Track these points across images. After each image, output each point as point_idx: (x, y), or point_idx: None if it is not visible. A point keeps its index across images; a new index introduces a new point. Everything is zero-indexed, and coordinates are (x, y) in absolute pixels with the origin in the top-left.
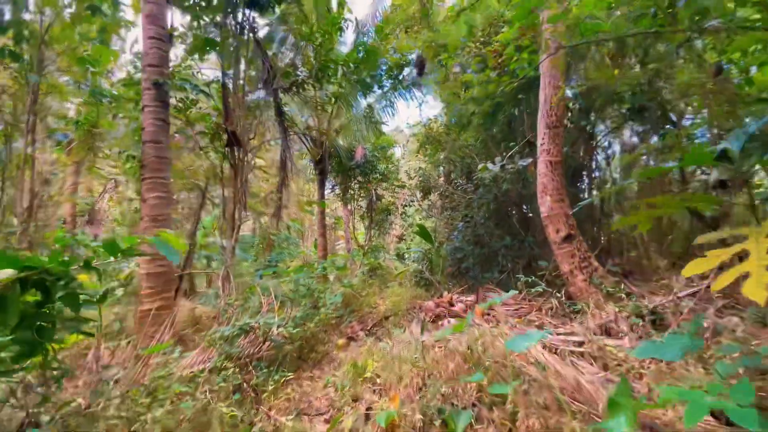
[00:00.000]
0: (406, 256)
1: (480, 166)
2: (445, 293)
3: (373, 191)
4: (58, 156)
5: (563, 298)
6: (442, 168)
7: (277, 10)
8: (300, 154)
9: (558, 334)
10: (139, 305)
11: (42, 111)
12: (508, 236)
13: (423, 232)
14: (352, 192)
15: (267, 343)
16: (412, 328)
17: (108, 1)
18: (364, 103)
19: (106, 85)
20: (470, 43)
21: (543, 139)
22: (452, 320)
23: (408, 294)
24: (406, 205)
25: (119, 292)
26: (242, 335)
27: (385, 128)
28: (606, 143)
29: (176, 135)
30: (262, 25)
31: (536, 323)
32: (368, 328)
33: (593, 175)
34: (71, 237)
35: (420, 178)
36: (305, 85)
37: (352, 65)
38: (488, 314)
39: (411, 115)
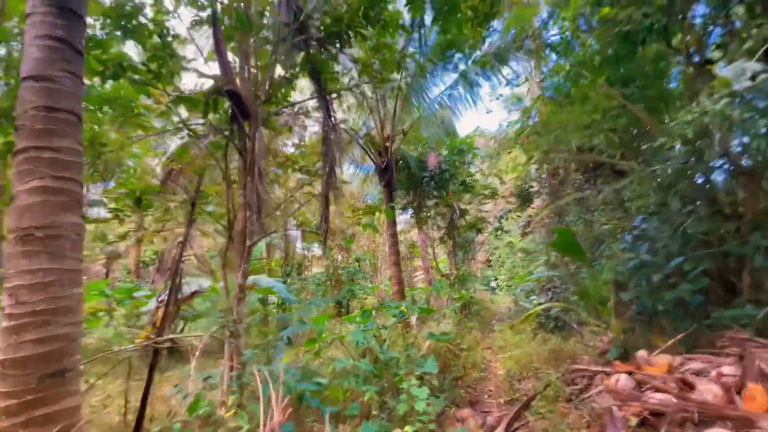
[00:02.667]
0: (495, 286)
1: (726, 69)
2: (641, 352)
3: (456, 205)
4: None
5: None
6: (539, 166)
7: None
8: (366, 178)
9: None
10: None
11: None
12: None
13: (566, 242)
14: (427, 211)
15: None
16: None
17: None
18: (435, 90)
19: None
20: None
21: None
22: None
23: (535, 346)
24: (502, 217)
25: None
26: None
27: (462, 129)
28: None
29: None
30: None
31: None
32: (497, 424)
33: None
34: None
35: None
36: (351, 36)
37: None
38: None
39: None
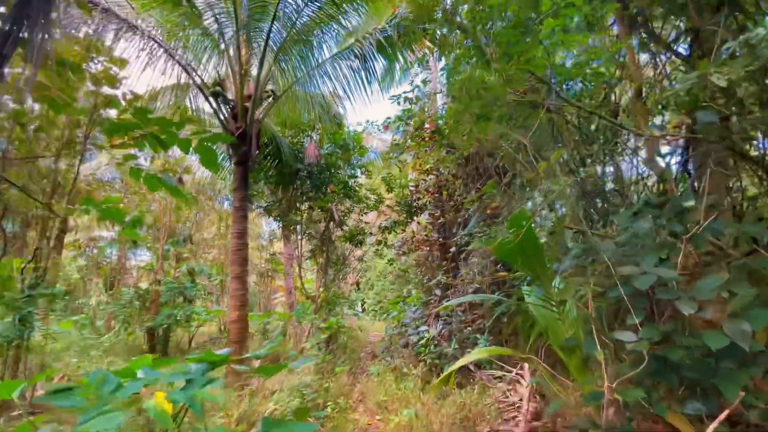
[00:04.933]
0: (361, 310)
1: None
2: None
3: (334, 209)
4: None
5: None
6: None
7: None
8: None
9: None
10: None
11: None
12: None
13: (527, 240)
14: (298, 214)
15: None
16: None
17: None
18: (322, 52)
19: None
20: None
21: None
22: None
23: (432, 404)
24: (387, 228)
25: None
26: None
27: (347, 122)
28: None
29: None
30: None
31: None
32: None
33: None
34: None
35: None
36: None
37: None
38: None
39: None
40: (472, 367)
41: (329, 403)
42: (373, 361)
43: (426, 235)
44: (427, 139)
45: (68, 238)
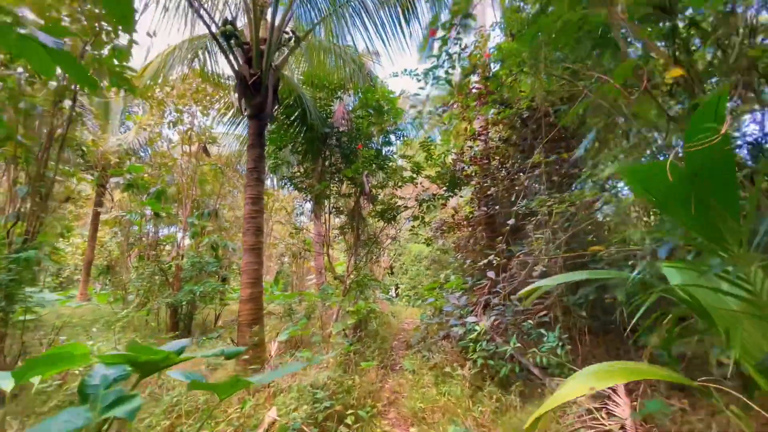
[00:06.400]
0: (395, 294)
1: None
2: None
3: (366, 180)
4: None
5: None
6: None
7: None
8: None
9: None
10: None
11: None
12: None
13: (709, 172)
14: (328, 187)
15: None
16: None
17: None
18: None
19: None
20: None
21: None
22: None
23: (489, 421)
24: (426, 201)
25: None
26: None
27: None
28: None
29: None
30: None
31: None
32: None
33: None
34: None
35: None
36: None
37: None
38: None
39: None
40: (536, 371)
41: (350, 411)
42: (407, 353)
43: (470, 212)
44: (475, 92)
45: (105, 216)
